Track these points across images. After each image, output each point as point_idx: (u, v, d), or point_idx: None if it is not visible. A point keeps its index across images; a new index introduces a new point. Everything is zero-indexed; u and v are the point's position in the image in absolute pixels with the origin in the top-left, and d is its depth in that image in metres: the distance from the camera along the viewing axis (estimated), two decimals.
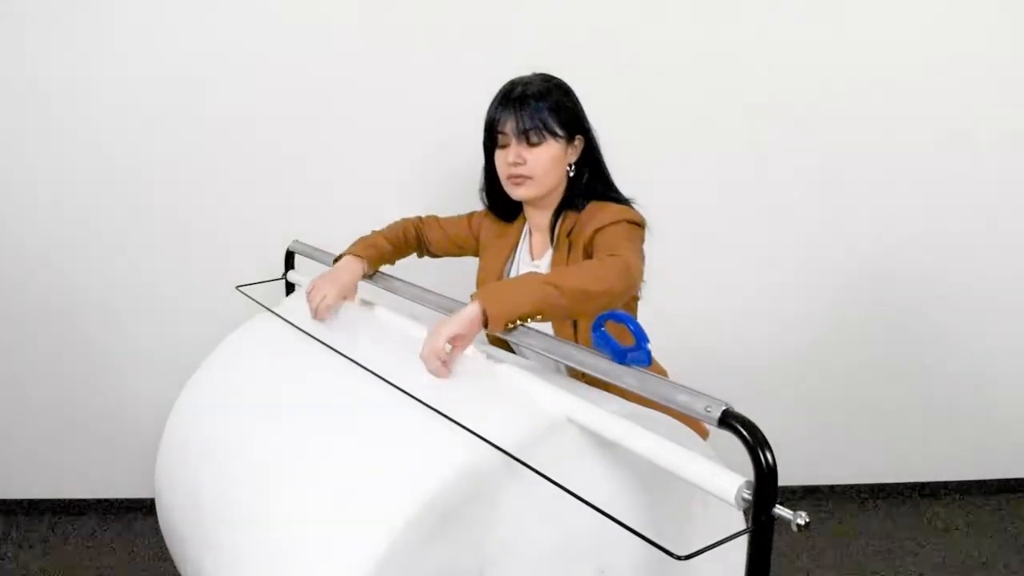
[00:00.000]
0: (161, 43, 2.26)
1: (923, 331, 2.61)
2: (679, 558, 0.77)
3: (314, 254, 1.69)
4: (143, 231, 2.37)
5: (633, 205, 1.41)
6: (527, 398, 1.04)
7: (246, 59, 2.28)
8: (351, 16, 2.28)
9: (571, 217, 1.39)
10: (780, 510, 0.80)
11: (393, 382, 1.10)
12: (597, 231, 1.31)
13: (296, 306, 1.50)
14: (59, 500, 2.55)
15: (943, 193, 2.50)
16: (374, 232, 1.60)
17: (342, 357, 1.23)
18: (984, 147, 2.48)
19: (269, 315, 1.52)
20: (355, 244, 1.54)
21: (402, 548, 0.88)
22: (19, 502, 2.55)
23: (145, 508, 2.46)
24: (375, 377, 1.14)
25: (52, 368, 2.45)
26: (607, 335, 1.01)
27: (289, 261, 1.79)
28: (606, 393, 1.15)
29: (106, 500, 2.55)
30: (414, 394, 1.06)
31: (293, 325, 1.41)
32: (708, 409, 0.86)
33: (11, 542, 2.39)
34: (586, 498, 1.00)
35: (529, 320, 1.10)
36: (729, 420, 0.84)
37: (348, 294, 1.45)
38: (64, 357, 2.45)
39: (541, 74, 1.43)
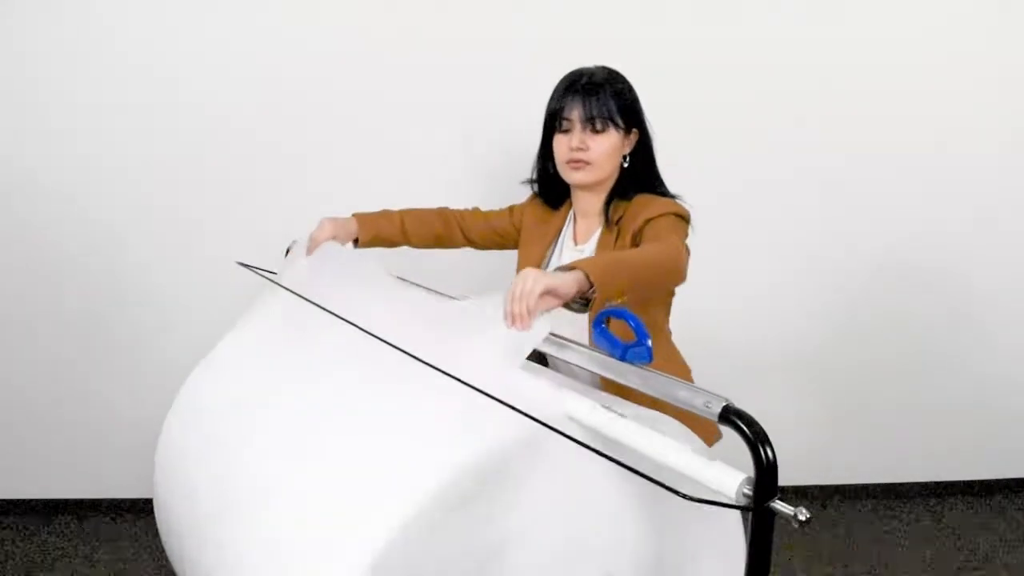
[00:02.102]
0: (163, 44, 2.27)
1: (922, 332, 2.61)
2: (684, 496, 0.77)
3: None
4: (142, 231, 2.37)
5: (679, 200, 1.45)
6: (530, 395, 1.03)
7: (247, 60, 2.29)
8: (352, 17, 2.28)
9: (621, 206, 1.44)
10: (780, 506, 0.80)
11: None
12: (647, 221, 1.36)
13: (293, 274, 1.50)
14: (57, 500, 2.55)
15: (946, 194, 2.51)
16: (401, 211, 1.63)
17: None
18: (988, 146, 2.48)
19: (266, 313, 1.51)
20: (373, 213, 1.60)
21: (400, 547, 0.88)
22: (18, 502, 2.54)
23: (145, 508, 2.46)
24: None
25: (51, 369, 2.46)
26: (608, 331, 1.01)
27: None
28: (616, 397, 1.15)
29: (105, 500, 2.55)
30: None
31: (296, 293, 1.39)
32: (708, 405, 0.86)
33: (10, 542, 2.39)
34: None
35: (616, 302, 1.11)
36: (729, 416, 0.84)
37: (339, 237, 1.53)
38: (63, 358, 2.45)
39: (605, 66, 1.47)
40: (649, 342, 0.97)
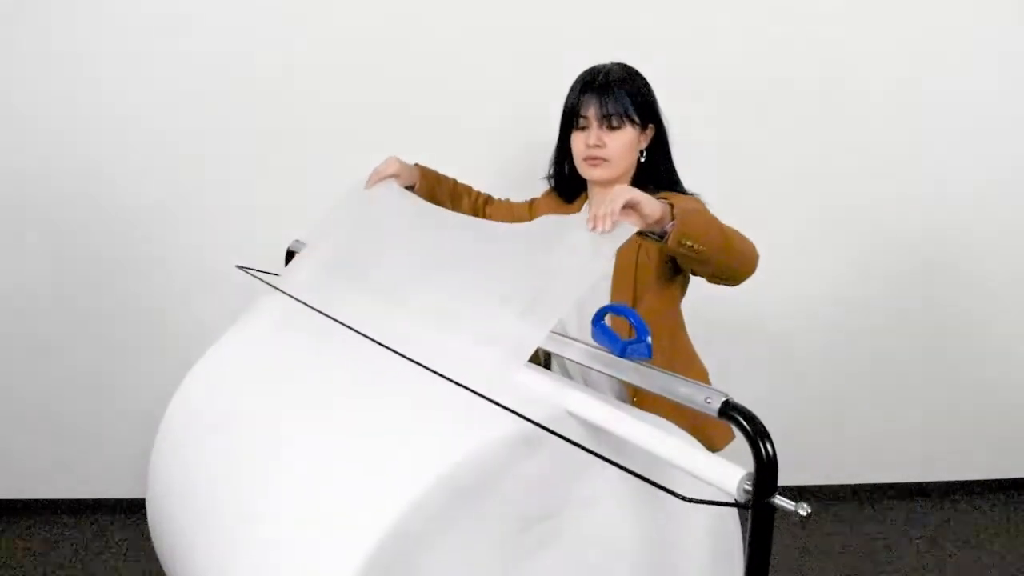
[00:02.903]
0: (166, 44, 2.28)
1: (924, 332, 2.61)
2: (683, 499, 0.76)
3: None
4: (141, 231, 2.37)
5: (700, 197, 1.47)
6: (532, 390, 1.02)
7: (249, 60, 2.29)
8: (355, 20, 2.29)
9: None
10: (781, 501, 0.79)
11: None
12: None
13: (293, 276, 1.50)
14: (55, 500, 2.54)
15: (952, 193, 2.52)
16: (453, 178, 1.67)
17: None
18: (992, 147, 2.49)
19: (265, 312, 1.51)
20: (433, 170, 1.64)
21: (395, 544, 0.87)
22: (16, 502, 2.54)
23: (138, 508, 2.45)
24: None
25: (50, 368, 2.45)
26: (608, 328, 1.00)
27: (289, 261, 1.78)
28: (616, 401, 1.14)
29: (102, 500, 2.54)
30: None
31: (296, 299, 1.39)
32: (708, 400, 0.86)
33: (8, 542, 2.38)
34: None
35: (690, 244, 1.13)
36: (729, 411, 0.84)
37: (401, 178, 1.56)
38: (61, 360, 2.45)
39: (620, 63, 1.49)
40: (649, 339, 0.97)
